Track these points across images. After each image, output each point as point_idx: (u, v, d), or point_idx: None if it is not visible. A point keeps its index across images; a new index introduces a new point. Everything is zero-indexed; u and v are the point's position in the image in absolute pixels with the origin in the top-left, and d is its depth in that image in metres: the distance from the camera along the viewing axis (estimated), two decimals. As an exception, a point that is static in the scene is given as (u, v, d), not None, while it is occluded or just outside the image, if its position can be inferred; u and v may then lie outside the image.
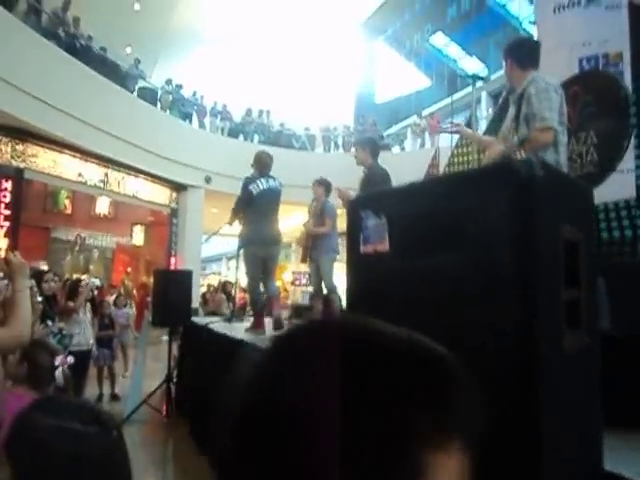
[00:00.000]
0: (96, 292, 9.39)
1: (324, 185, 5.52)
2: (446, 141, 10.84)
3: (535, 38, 8.18)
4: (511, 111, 2.71)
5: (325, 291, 5.28)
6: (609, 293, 1.64)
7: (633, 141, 4.94)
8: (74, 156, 10.54)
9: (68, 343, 4.66)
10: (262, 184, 4.83)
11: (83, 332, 5.29)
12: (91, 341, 5.56)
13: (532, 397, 0.88)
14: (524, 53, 2.68)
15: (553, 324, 0.97)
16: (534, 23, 9.04)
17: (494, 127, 6.08)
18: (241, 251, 5.10)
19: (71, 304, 5.13)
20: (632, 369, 1.51)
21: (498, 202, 0.94)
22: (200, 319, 6.37)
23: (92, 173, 11.17)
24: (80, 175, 10.83)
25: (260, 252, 4.76)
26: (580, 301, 1.07)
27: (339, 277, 5.05)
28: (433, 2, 18.47)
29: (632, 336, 1.58)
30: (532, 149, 2.34)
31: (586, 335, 1.10)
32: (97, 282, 9.85)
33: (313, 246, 5.27)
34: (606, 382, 1.23)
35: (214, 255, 23.60)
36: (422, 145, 14.83)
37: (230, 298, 8.48)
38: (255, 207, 4.78)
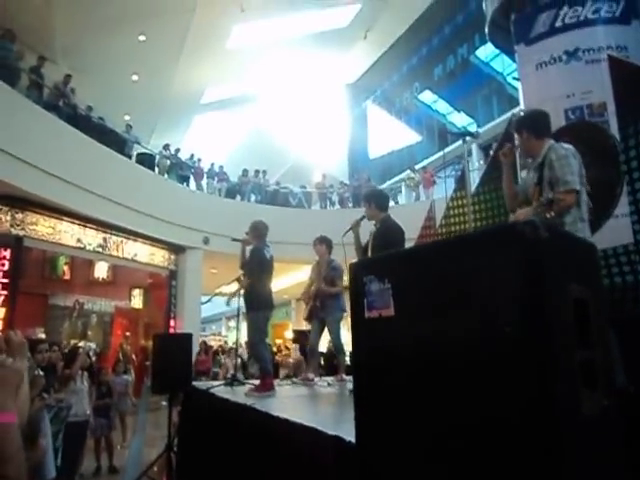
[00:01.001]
0: (94, 358, 9.23)
1: (325, 243, 5.52)
2: (441, 193, 11.01)
3: (520, 93, 8.50)
4: (532, 176, 2.84)
5: (334, 350, 5.27)
6: (621, 346, 1.61)
7: (625, 187, 5.04)
8: (73, 222, 10.63)
9: (65, 415, 4.49)
10: (270, 251, 4.93)
11: (80, 402, 5.13)
12: (88, 411, 5.39)
13: (555, 471, 0.84)
14: (540, 125, 2.87)
15: (569, 389, 0.94)
16: (518, 79, 9.41)
17: (486, 180, 6.20)
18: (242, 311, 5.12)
19: (67, 371, 5.01)
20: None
21: (504, 264, 0.93)
22: (201, 384, 6.20)
23: (91, 238, 11.23)
24: (79, 241, 10.88)
25: (269, 315, 4.88)
26: (595, 361, 1.04)
27: (344, 335, 5.04)
28: (419, 63, 19.29)
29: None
30: (558, 210, 2.50)
31: (604, 396, 1.06)
32: (93, 346, 9.66)
33: (321, 306, 5.25)
34: (627, 440, 1.18)
35: (213, 315, 23.38)
36: (417, 198, 15.06)
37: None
38: (268, 272, 4.87)
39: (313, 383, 5.32)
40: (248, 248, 5.04)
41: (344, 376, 5.43)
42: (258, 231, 5.09)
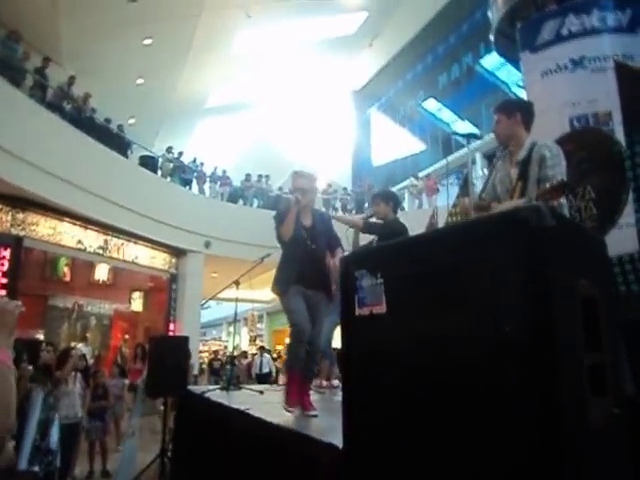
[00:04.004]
0: (92, 361, 9.14)
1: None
2: (443, 200, 10.93)
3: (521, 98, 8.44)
4: (513, 172, 2.67)
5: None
6: (629, 353, 1.52)
7: (632, 194, 4.95)
8: (74, 224, 10.59)
9: (53, 404, 4.39)
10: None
11: (72, 404, 5.04)
12: (80, 414, 5.29)
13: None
14: (532, 115, 2.72)
15: (576, 395, 0.85)
16: (522, 87, 9.36)
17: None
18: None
19: (58, 373, 4.92)
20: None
21: (505, 257, 0.85)
22: (197, 388, 6.11)
23: (92, 240, 11.18)
24: (80, 242, 10.83)
25: None
26: (604, 365, 0.95)
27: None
28: (424, 71, 19.28)
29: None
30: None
31: (614, 404, 0.98)
32: (85, 350, 9.55)
33: None
34: (635, 454, 1.09)
35: (214, 320, 23.31)
36: (420, 206, 15.01)
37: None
38: None
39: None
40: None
41: (324, 382, 5.32)
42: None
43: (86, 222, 10.74)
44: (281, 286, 3.43)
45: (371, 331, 1.12)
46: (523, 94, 8.98)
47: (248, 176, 15.55)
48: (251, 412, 3.40)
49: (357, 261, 1.18)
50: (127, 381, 7.91)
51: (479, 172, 13.78)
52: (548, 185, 2.22)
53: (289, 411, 3.05)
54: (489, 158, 14.02)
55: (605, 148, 5.84)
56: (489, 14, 8.75)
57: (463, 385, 0.92)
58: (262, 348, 13.05)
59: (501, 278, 0.87)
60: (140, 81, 15.15)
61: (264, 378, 10.54)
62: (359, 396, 1.14)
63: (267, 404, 4.23)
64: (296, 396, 3.20)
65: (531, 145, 2.59)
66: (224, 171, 15.30)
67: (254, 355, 10.46)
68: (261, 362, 11.39)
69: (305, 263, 3.32)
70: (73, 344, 11.05)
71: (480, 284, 0.90)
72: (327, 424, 2.70)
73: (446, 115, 18.38)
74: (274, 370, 12.26)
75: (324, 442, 2.26)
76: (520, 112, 2.70)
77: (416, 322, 1.01)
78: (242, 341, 21.69)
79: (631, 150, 4.81)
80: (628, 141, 4.86)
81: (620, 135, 5.77)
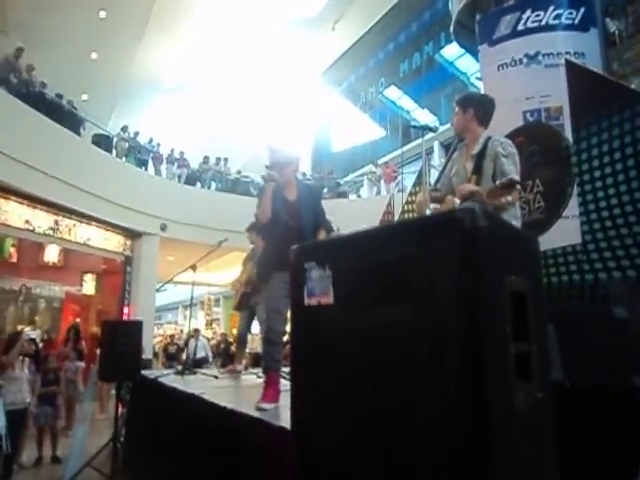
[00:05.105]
0: (41, 345, 8.86)
1: (256, 229, 5.33)
2: (401, 188, 11.11)
3: (482, 92, 8.63)
4: (468, 166, 2.72)
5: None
6: (560, 341, 1.63)
7: (576, 189, 5.19)
8: (22, 203, 10.14)
9: None
10: None
11: (19, 390, 4.91)
12: (28, 399, 5.17)
13: (484, 465, 0.82)
14: (488, 112, 2.76)
15: (503, 382, 0.93)
16: (481, 79, 9.57)
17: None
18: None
19: (4, 358, 4.78)
20: (586, 421, 1.48)
21: (442, 253, 0.91)
22: (150, 372, 6.05)
23: (41, 220, 10.76)
24: (28, 222, 10.41)
25: None
26: (530, 354, 1.04)
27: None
28: (386, 58, 19.38)
29: (585, 386, 1.56)
30: (500, 206, 2.42)
31: (538, 389, 1.07)
32: (33, 334, 9.25)
33: (253, 292, 5.13)
34: (561, 435, 1.19)
35: (170, 303, 22.97)
36: (378, 192, 15.21)
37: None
38: None
39: (239, 374, 5.23)
40: None
41: (238, 367, 5.37)
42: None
43: (35, 201, 10.31)
44: (262, 271, 3.19)
45: (319, 321, 1.16)
46: (481, 86, 9.16)
47: (206, 158, 15.30)
48: (205, 397, 3.42)
49: (307, 253, 1.22)
50: (83, 364, 7.74)
51: (437, 161, 14.06)
52: (498, 183, 2.31)
53: (263, 409, 2.80)
54: (446, 147, 14.31)
55: (554, 143, 6.09)
56: (450, 4, 8.86)
57: (404, 371, 0.98)
58: (197, 331, 12.41)
59: (439, 273, 0.93)
60: (94, 56, 14.59)
61: (198, 363, 9.71)
62: (306, 382, 1.19)
63: (221, 388, 4.26)
64: (273, 398, 2.96)
65: (486, 140, 2.66)
66: (182, 153, 14.98)
67: (189, 338, 9.76)
68: (196, 346, 10.43)
69: (285, 243, 2.99)
70: (20, 328, 10.70)
71: (421, 278, 0.96)
72: (282, 409, 2.74)
73: (406, 103, 18.57)
74: (210, 355, 11.96)
75: (275, 425, 2.33)
76: (474, 108, 2.76)
77: (361, 313, 1.07)
78: (199, 325, 21.48)
79: (577, 146, 5.03)
80: (575, 137, 5.07)
81: (569, 129, 6.04)
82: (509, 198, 2.34)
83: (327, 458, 1.12)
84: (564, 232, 5.62)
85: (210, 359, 11.72)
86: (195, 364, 9.56)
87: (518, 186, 2.51)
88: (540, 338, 1.11)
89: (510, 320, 0.98)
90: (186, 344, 8.21)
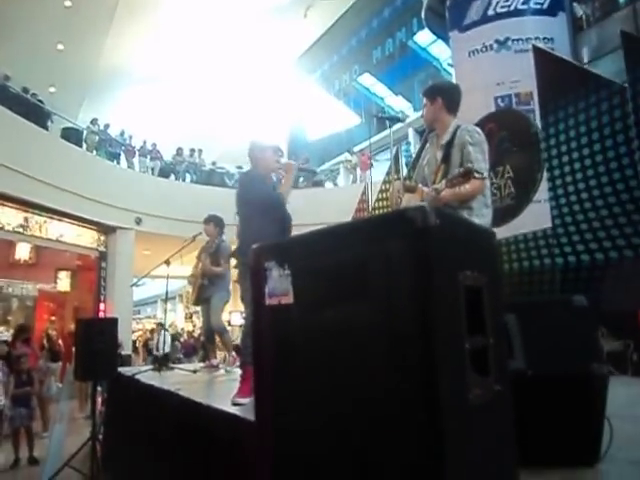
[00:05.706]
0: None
1: (214, 222, 5.31)
2: (376, 177, 11.14)
3: (454, 79, 8.68)
4: (438, 155, 2.71)
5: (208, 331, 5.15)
6: (521, 331, 1.66)
7: (545, 174, 5.28)
8: (-12, 201, 9.89)
9: None
10: None
11: (-9, 392, 4.83)
12: (2, 402, 5.07)
13: (438, 463, 0.83)
14: (456, 100, 2.74)
15: (457, 377, 0.94)
16: (452, 65, 9.59)
17: (416, 164, 6.33)
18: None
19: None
20: (547, 408, 1.51)
21: (396, 251, 0.91)
22: (128, 369, 5.99)
23: (10, 218, 10.51)
24: (-5, 220, 10.16)
25: None
26: (487, 347, 1.05)
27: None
28: (359, 45, 19.27)
29: (545, 374, 1.60)
30: (468, 195, 2.42)
31: (496, 382, 1.08)
32: (6, 335, 9.08)
33: (208, 283, 5.15)
34: (520, 422, 1.21)
35: (148, 297, 22.73)
36: (354, 181, 15.22)
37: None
38: None
39: (216, 369, 5.22)
40: None
41: (214, 361, 5.36)
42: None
43: (2, 198, 10.05)
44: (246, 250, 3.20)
45: (280, 320, 1.16)
46: (453, 72, 9.18)
47: (180, 150, 15.08)
48: (181, 393, 3.40)
49: (267, 252, 1.21)
50: (54, 365, 7.63)
51: (412, 148, 14.12)
52: (456, 171, 2.31)
53: (239, 403, 2.77)
54: (421, 134, 14.39)
55: (523, 129, 6.17)
56: (420, -10, 8.83)
57: (361, 369, 0.99)
58: (160, 325, 11.99)
59: (393, 271, 0.94)
60: (60, 47, 14.16)
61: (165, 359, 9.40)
62: (269, 381, 1.19)
63: (197, 383, 4.24)
64: (249, 392, 2.79)
65: (455, 129, 2.64)
66: (154, 144, 14.73)
67: (152, 332, 9.39)
68: (158, 341, 10.21)
69: (280, 229, 3.12)
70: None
71: (375, 277, 0.96)
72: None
73: (380, 90, 18.55)
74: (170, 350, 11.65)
75: (247, 420, 2.33)
76: (441, 97, 2.73)
77: (320, 311, 1.07)
78: (178, 318, 21.31)
79: (546, 132, 5.12)
80: (543, 123, 5.16)
81: (539, 116, 6.13)
82: (467, 186, 2.31)
83: (292, 451, 1.12)
84: (535, 216, 5.72)
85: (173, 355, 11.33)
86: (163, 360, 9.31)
87: (485, 174, 2.49)
88: (497, 331, 1.13)
89: (465, 315, 0.99)
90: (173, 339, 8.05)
